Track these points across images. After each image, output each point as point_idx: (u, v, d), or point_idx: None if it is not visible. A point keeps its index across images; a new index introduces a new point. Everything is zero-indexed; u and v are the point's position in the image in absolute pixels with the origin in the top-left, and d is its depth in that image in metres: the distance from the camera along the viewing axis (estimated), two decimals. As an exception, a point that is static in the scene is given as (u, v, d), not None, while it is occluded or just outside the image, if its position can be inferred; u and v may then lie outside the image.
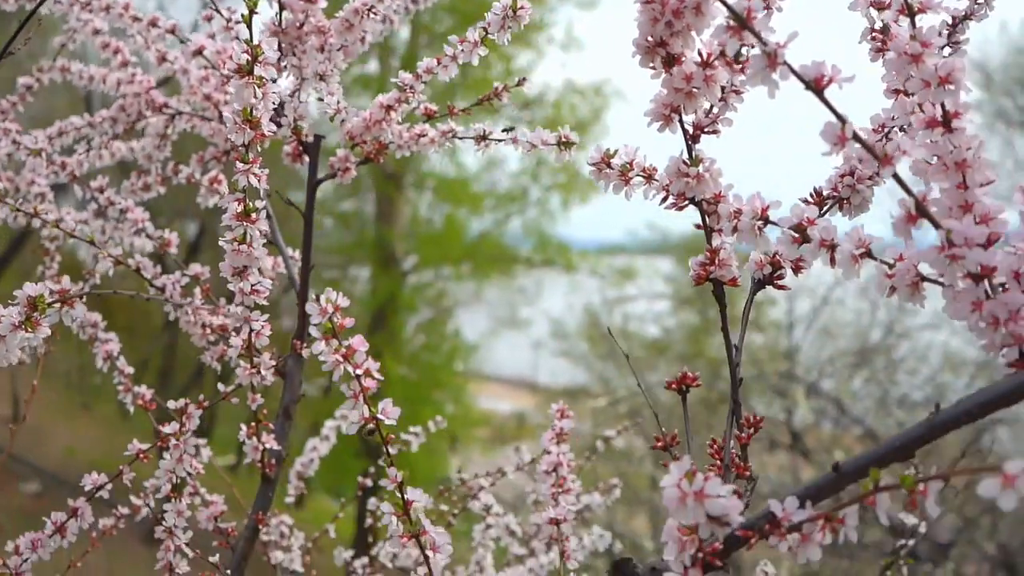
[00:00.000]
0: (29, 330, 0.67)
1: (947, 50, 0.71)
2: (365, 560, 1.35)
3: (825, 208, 0.68)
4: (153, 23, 1.09)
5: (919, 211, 0.51)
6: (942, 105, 0.53)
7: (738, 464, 0.61)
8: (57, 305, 0.66)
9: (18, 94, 1.31)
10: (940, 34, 0.71)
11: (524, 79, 0.98)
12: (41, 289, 0.66)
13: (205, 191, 1.17)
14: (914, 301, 0.54)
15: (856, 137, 0.50)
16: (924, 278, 0.54)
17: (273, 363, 0.90)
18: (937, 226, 0.51)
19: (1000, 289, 0.51)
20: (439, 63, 0.91)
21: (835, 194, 0.68)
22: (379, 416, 0.62)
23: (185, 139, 1.27)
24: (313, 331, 0.60)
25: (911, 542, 1.08)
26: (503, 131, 0.95)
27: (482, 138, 0.94)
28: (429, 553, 0.63)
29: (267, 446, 0.96)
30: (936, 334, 7.09)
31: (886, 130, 0.69)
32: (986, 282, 0.52)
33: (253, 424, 0.95)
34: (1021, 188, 0.52)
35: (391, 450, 0.64)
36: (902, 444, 0.50)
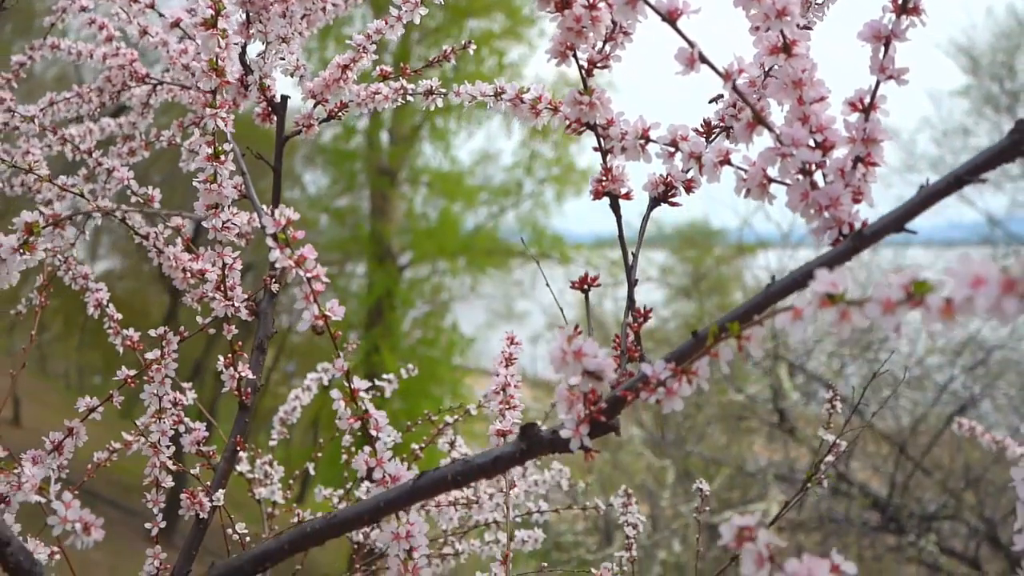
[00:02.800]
0: (26, 252, 0.77)
1: (820, -1, 0.81)
2: (341, 492, 1.47)
3: (714, 136, 0.79)
4: (133, -1, 1.20)
5: (756, 119, 0.62)
6: (782, 34, 0.63)
7: (631, 348, 0.72)
8: (50, 228, 0.77)
9: (12, 71, 1.42)
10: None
11: (470, 42, 1.09)
12: (36, 216, 0.76)
13: (186, 155, 1.28)
14: (762, 199, 0.65)
15: (702, 59, 0.60)
16: (771, 179, 0.64)
17: (245, 296, 1.01)
18: (771, 130, 0.61)
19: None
20: (386, 23, 1.02)
21: (721, 124, 0.78)
22: (328, 314, 0.73)
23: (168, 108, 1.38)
24: (268, 240, 0.71)
25: (830, 458, 1.19)
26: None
27: (429, 92, 1.05)
28: (373, 432, 0.74)
29: (243, 375, 1.06)
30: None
31: (767, 68, 0.79)
32: (818, 177, 0.63)
33: (229, 355, 1.05)
34: (846, 100, 0.63)
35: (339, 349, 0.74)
36: (745, 311, 0.60)
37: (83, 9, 1.31)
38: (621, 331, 0.73)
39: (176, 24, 1.17)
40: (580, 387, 0.61)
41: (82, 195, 1.09)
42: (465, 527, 1.36)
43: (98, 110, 1.32)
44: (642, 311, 0.73)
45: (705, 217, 11.64)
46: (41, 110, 1.28)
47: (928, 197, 0.56)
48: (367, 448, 0.75)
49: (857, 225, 0.60)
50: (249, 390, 1.09)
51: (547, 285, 1.15)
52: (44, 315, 1.28)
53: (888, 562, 6.65)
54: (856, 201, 0.61)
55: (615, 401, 0.64)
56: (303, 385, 1.56)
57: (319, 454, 1.54)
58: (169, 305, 11.20)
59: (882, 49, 0.62)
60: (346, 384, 0.74)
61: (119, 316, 1.21)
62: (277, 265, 0.71)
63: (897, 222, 0.57)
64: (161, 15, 1.19)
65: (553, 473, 1.44)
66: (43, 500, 0.73)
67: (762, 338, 0.56)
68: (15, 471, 0.74)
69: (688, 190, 0.77)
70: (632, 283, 0.74)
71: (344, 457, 1.33)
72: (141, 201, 1.17)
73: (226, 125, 0.85)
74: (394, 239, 11.79)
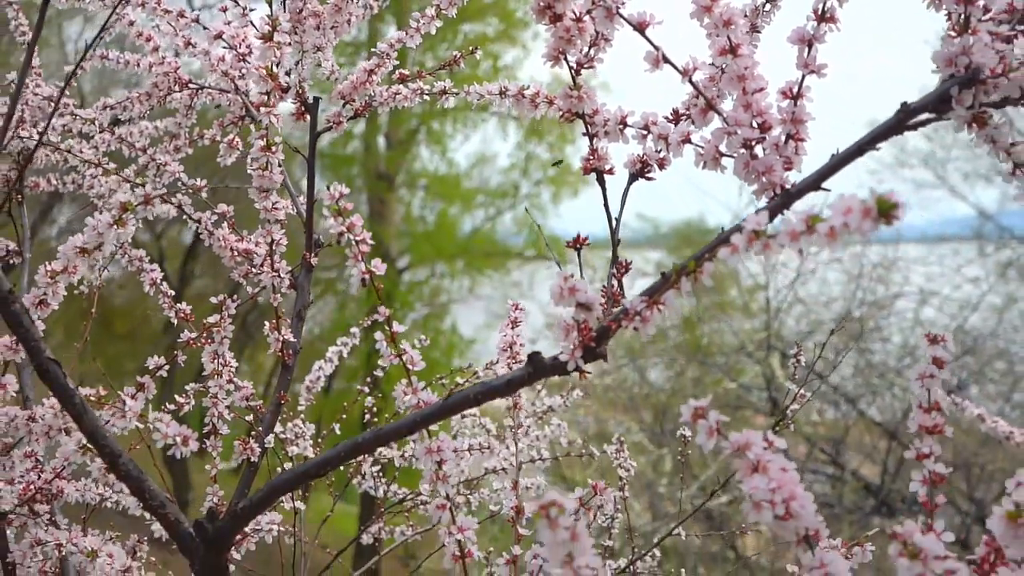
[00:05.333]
0: (120, 228, 0.94)
1: (768, 5, 0.99)
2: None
3: (682, 121, 0.96)
4: (181, 15, 1.37)
5: (709, 106, 0.79)
6: (728, 39, 0.81)
7: (615, 293, 0.89)
8: (143, 206, 0.94)
9: (65, 79, 1.59)
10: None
11: (476, 48, 1.27)
12: (128, 195, 0.93)
13: (225, 150, 1.45)
14: (715, 168, 0.82)
15: (665, 59, 0.78)
16: (722, 153, 0.82)
17: (290, 269, 1.18)
18: (720, 115, 0.79)
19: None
20: (407, 33, 1.19)
21: (687, 112, 0.95)
22: (372, 269, 0.90)
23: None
24: (325, 211, 0.88)
25: (795, 406, 1.36)
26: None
27: (443, 92, 1.22)
28: (409, 366, 0.91)
29: (286, 338, 1.23)
30: (908, 303, 7.40)
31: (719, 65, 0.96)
32: (759, 150, 0.80)
33: (274, 320, 1.22)
34: (779, 90, 0.80)
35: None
36: (700, 255, 0.77)
37: (131, 23, 1.48)
38: (607, 280, 0.91)
39: (219, 36, 1.34)
40: (575, 316, 0.78)
41: (142, 186, 1.26)
42: (478, 479, 1.53)
43: (146, 113, 1.49)
44: (623, 263, 0.90)
45: (701, 216, 11.80)
46: (100, 113, 1.45)
47: (839, 162, 0.74)
48: (403, 380, 0.92)
49: (788, 187, 0.78)
50: (291, 351, 1.26)
51: (560, 270, 1.30)
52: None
53: (882, 546, 6.82)
54: (787, 169, 0.78)
55: (603, 330, 0.81)
56: (326, 358, 1.73)
57: (343, 415, 1.72)
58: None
59: (806, 49, 0.79)
60: (387, 328, 0.92)
61: (172, 292, 1.38)
62: (332, 231, 0.88)
63: (815, 183, 0.74)
64: (205, 28, 1.36)
65: (553, 428, 1.62)
66: (142, 426, 0.90)
67: (712, 272, 0.74)
68: (118, 404, 0.91)
69: (660, 167, 0.94)
70: (616, 242, 0.92)
71: (367, 416, 1.50)
72: (190, 191, 1.34)
73: (277, 121, 1.02)
74: (392, 242, 11.95)
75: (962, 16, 0.71)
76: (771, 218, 0.73)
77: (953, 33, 0.71)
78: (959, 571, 0.58)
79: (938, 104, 0.71)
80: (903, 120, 0.72)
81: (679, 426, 7.40)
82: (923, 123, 0.73)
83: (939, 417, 0.75)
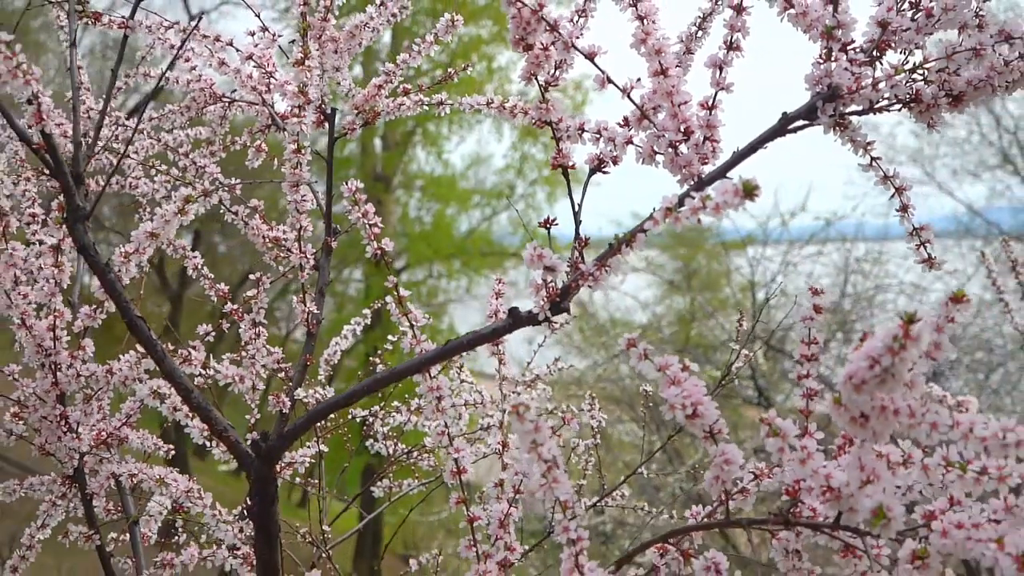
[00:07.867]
0: (182, 216, 1.18)
1: (699, 32, 1.23)
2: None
3: (631, 129, 1.20)
4: (217, 39, 1.61)
5: (642, 115, 1.03)
6: (659, 63, 1.05)
7: (576, 262, 1.13)
8: (202, 198, 1.18)
9: (143, 102, 1.83)
10: (695, 22, 1.23)
11: (468, 64, 1.51)
12: (189, 190, 1.17)
13: (253, 153, 1.69)
14: (650, 164, 1.06)
15: (609, 80, 1.02)
16: (655, 151, 1.06)
17: (314, 251, 1.42)
18: (652, 122, 1.03)
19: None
20: (409, 55, 1.44)
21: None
22: (383, 246, 1.14)
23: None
24: (346, 201, 1.12)
25: (739, 363, 1.61)
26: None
27: (440, 103, 1.47)
28: (414, 322, 1.16)
29: (311, 310, 1.48)
30: (887, 295, 7.65)
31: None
32: (683, 149, 1.04)
33: (301, 295, 1.47)
34: (698, 103, 1.04)
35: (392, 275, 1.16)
36: (634, 229, 1.02)
37: (172, 47, 1.72)
38: (570, 251, 1.15)
39: (250, 57, 1.58)
40: (543, 276, 1.03)
41: (187, 184, 1.50)
42: (474, 432, 1.77)
43: (185, 123, 1.73)
44: (583, 239, 1.14)
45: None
46: (146, 123, 1.69)
47: (737, 157, 0.98)
48: (409, 332, 1.16)
49: (702, 176, 1.02)
50: (315, 321, 1.50)
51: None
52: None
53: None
54: (704, 163, 1.03)
55: (565, 289, 1.05)
56: (342, 334, 1.97)
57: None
58: (170, 313, 11.64)
59: (718, 71, 1.03)
60: (395, 292, 1.16)
61: (211, 275, 1.62)
62: (350, 218, 1.13)
63: (720, 173, 0.99)
64: (238, 50, 1.60)
65: (539, 391, 1.86)
66: (203, 376, 1.14)
67: (643, 241, 0.98)
68: (184, 355, 1.15)
69: (615, 163, 1.18)
70: (578, 223, 1.16)
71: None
72: (227, 189, 1.58)
73: (306, 129, 1.26)
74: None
75: (825, 47, 0.95)
76: (682, 201, 0.97)
77: (820, 60, 0.96)
78: (809, 445, 0.82)
79: (808, 113, 0.95)
80: (784, 125, 0.96)
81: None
82: (800, 128, 0.97)
83: (814, 348, 0.99)
